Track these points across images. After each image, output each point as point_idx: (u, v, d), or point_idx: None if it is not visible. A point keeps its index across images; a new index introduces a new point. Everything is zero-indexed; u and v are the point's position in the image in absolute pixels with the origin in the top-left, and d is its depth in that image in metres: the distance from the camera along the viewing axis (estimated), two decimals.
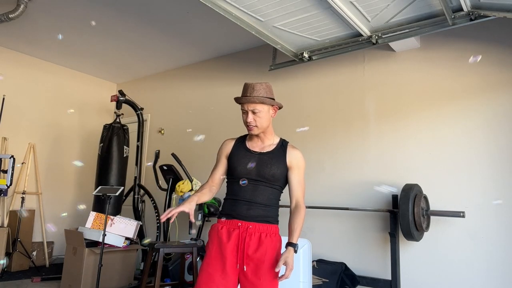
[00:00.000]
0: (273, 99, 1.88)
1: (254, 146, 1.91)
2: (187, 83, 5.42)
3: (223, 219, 1.84)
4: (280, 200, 1.93)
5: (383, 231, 3.42)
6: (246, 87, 1.85)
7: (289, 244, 1.74)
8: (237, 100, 1.85)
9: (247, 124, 1.84)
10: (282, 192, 1.92)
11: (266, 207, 1.82)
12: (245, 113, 1.84)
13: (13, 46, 5.06)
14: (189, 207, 1.71)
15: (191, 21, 4.13)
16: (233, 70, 4.85)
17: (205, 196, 1.88)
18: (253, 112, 1.81)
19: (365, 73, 3.81)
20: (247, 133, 1.97)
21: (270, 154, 1.87)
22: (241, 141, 1.96)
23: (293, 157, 1.88)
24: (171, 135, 5.45)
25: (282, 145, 1.92)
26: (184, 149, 4.93)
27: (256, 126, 1.83)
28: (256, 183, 1.82)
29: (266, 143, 1.91)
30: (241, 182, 1.81)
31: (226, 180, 1.93)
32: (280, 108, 1.91)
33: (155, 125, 5.69)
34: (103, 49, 5.02)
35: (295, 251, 1.74)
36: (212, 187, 1.93)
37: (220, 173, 1.95)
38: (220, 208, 1.94)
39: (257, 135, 1.90)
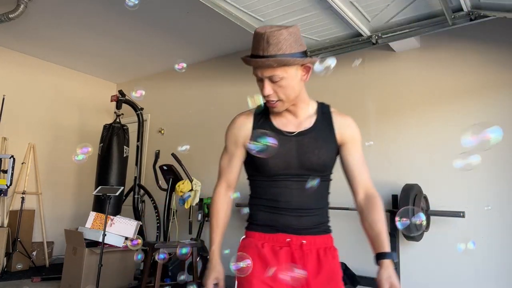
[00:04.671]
0: (304, 52, 1.21)
1: (286, 123, 1.31)
2: (187, 83, 5.42)
3: (261, 233, 1.30)
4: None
5: None
6: (258, 39, 1.18)
7: (382, 255, 1.21)
8: (245, 61, 1.26)
9: (265, 98, 1.27)
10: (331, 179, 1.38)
11: (320, 210, 1.32)
12: (260, 80, 1.24)
13: (13, 46, 5.06)
14: (216, 276, 1.28)
15: (191, 21, 4.13)
16: (233, 70, 4.85)
17: (224, 226, 1.37)
18: (272, 81, 1.20)
19: (365, 73, 3.81)
20: None
21: (313, 133, 1.29)
22: (263, 117, 1.34)
23: (345, 128, 1.33)
24: (171, 135, 5.45)
25: (324, 113, 1.34)
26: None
27: (280, 100, 1.24)
28: (300, 179, 1.27)
29: (302, 116, 1.31)
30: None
31: (249, 178, 1.39)
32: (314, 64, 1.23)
33: (155, 125, 5.69)
34: (103, 49, 5.02)
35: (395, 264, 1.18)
36: (228, 195, 1.39)
37: (238, 170, 1.39)
38: (248, 216, 1.39)
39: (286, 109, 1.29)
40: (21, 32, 4.61)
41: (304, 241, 1.25)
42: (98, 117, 6.06)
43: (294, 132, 1.29)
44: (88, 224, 3.91)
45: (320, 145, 1.28)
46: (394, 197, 3.26)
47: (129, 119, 5.55)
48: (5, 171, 4.29)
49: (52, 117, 5.55)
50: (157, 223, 4.72)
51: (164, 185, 4.41)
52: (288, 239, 1.25)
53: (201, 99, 5.16)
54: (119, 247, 3.86)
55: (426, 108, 3.39)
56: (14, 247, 4.60)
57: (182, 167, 4.19)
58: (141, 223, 4.23)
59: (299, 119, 1.31)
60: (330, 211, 1.40)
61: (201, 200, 4.17)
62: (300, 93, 1.26)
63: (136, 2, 1.90)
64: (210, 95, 5.05)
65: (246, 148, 1.32)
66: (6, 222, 4.79)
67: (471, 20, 2.75)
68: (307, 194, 1.26)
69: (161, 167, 4.35)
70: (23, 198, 4.83)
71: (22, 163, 5.08)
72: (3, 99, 4.82)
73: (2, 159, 4.44)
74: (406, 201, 2.92)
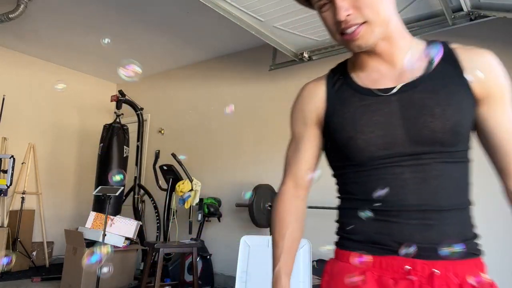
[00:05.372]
0: None
1: (378, 78, 0.85)
2: (187, 83, 5.42)
3: (362, 254, 0.80)
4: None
5: None
6: None
7: None
8: None
9: (340, 28, 0.79)
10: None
11: (460, 212, 0.83)
12: (326, 5, 0.80)
13: (13, 46, 5.06)
14: None
15: (191, 21, 4.13)
16: (233, 70, 4.85)
17: (293, 241, 0.93)
18: None
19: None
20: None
21: (427, 83, 0.80)
22: (340, 77, 0.90)
23: (484, 69, 0.80)
24: (171, 135, 5.45)
25: (442, 53, 0.87)
26: (184, 149, 4.93)
27: (365, 23, 0.77)
28: (417, 162, 0.79)
29: (402, 61, 0.84)
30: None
31: (335, 172, 0.94)
32: None
33: (155, 125, 5.69)
34: (103, 49, 5.02)
35: None
36: (297, 197, 0.95)
37: (311, 161, 0.95)
38: (338, 225, 0.91)
39: (373, 52, 0.84)
40: (21, 32, 4.61)
41: (436, 271, 0.75)
42: (98, 117, 6.06)
43: (393, 88, 0.81)
44: (88, 224, 3.91)
45: (443, 100, 0.77)
46: None
47: (129, 119, 5.55)
48: (5, 171, 4.29)
49: (52, 117, 5.55)
50: (157, 223, 4.72)
51: (164, 185, 4.41)
52: (408, 267, 0.76)
53: (201, 99, 5.17)
54: (119, 247, 3.86)
55: None
56: (14, 247, 4.60)
57: (182, 167, 4.19)
58: (141, 223, 4.24)
59: (398, 66, 0.83)
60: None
61: (201, 200, 4.17)
62: (394, 16, 0.82)
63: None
64: (210, 95, 5.05)
65: (319, 124, 0.91)
66: (6, 222, 4.79)
67: (471, 20, 2.75)
68: (433, 186, 0.78)
69: (161, 167, 4.35)
70: (23, 198, 4.83)
71: (22, 163, 5.08)
72: (3, 99, 4.82)
73: (2, 159, 4.44)
74: None
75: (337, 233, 0.90)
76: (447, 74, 0.81)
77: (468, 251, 0.78)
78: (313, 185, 0.94)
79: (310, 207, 3.60)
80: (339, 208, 0.91)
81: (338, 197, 0.92)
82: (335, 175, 0.93)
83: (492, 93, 0.81)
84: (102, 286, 3.58)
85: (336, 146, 0.87)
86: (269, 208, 3.81)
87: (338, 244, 0.89)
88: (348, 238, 0.85)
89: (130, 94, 5.15)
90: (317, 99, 0.92)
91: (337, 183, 0.93)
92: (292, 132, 0.99)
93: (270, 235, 0.95)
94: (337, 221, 0.91)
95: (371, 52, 0.84)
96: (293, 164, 0.96)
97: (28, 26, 4.42)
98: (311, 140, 0.93)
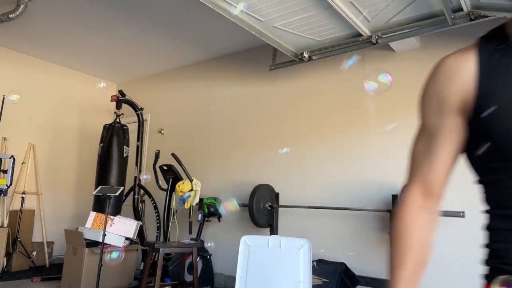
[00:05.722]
0: None
1: None
2: (187, 83, 5.42)
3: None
4: None
5: (383, 231, 3.42)
6: None
7: None
8: None
9: None
10: None
11: None
12: None
13: (13, 46, 5.06)
14: None
15: (191, 21, 4.13)
16: (233, 70, 4.85)
17: (420, 263, 0.74)
18: None
19: (365, 73, 3.81)
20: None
21: None
22: (500, 48, 0.71)
23: None
24: (171, 135, 5.45)
25: None
26: (184, 149, 4.93)
27: None
28: None
29: None
30: None
31: (483, 177, 0.72)
32: None
33: (155, 125, 5.69)
34: (103, 49, 5.02)
35: None
36: (427, 208, 0.77)
37: (448, 162, 0.74)
38: (488, 252, 0.69)
39: None
40: (21, 32, 4.61)
41: None
42: (98, 117, 6.06)
43: None
44: (88, 224, 3.91)
45: None
46: (394, 197, 3.26)
47: (129, 119, 5.55)
48: (5, 171, 4.29)
49: (52, 117, 5.55)
50: (157, 223, 4.72)
51: (164, 185, 4.42)
52: None
53: (201, 99, 5.17)
54: (119, 247, 3.86)
55: None
56: (14, 247, 4.60)
57: (182, 167, 4.19)
58: (141, 223, 4.24)
59: None
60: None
61: (201, 200, 4.17)
62: None
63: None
64: (210, 95, 5.06)
65: (463, 111, 0.68)
66: (6, 222, 4.79)
67: (471, 20, 2.75)
68: None
69: (161, 167, 4.35)
70: (23, 198, 4.83)
71: (22, 163, 5.08)
72: (3, 99, 4.82)
73: (2, 159, 4.44)
74: None
75: (487, 263, 0.68)
76: None
77: None
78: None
79: (310, 207, 3.60)
80: (489, 228, 0.69)
81: (487, 212, 0.70)
82: (482, 181, 0.71)
83: None
84: (102, 286, 3.58)
85: (494, 141, 0.64)
86: (269, 208, 3.81)
87: (489, 278, 0.67)
88: (508, 271, 0.64)
89: (130, 94, 5.15)
90: (463, 78, 0.68)
91: (486, 192, 0.70)
92: (422, 123, 0.76)
93: (391, 248, 0.76)
94: (487, 246, 0.69)
95: None
96: (423, 165, 0.74)
97: (28, 26, 4.42)
98: (451, 134, 0.70)
